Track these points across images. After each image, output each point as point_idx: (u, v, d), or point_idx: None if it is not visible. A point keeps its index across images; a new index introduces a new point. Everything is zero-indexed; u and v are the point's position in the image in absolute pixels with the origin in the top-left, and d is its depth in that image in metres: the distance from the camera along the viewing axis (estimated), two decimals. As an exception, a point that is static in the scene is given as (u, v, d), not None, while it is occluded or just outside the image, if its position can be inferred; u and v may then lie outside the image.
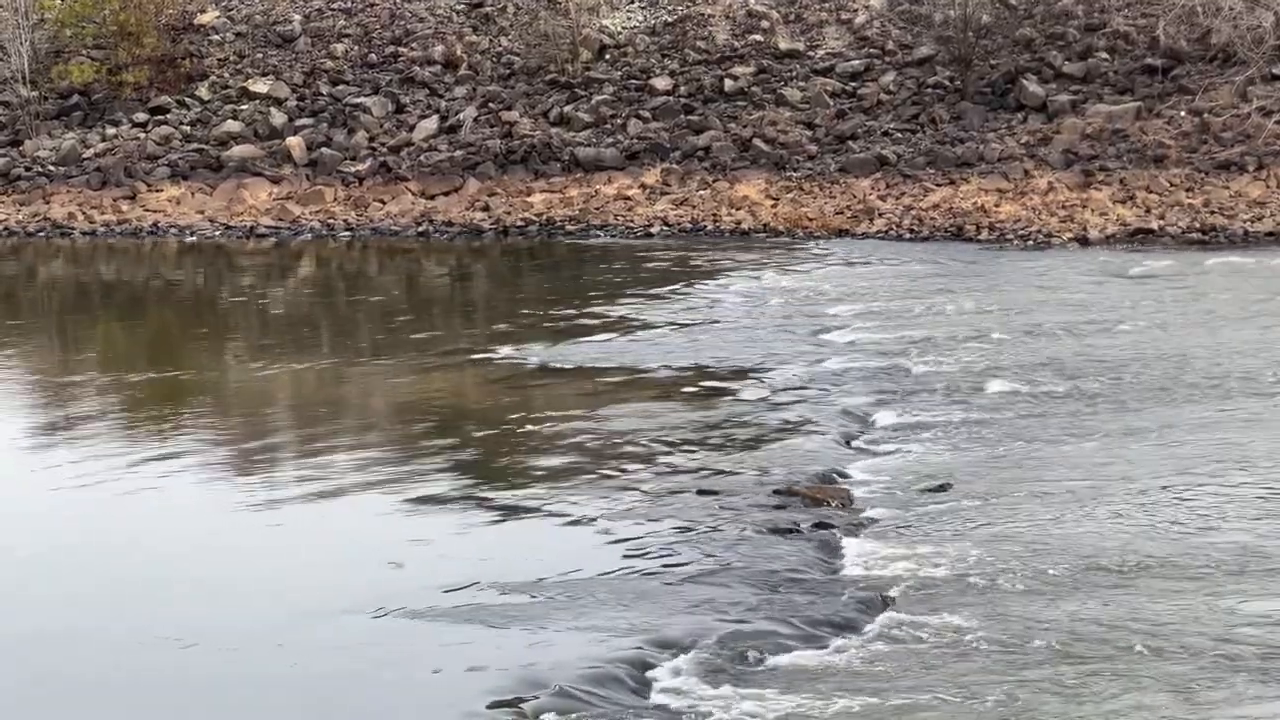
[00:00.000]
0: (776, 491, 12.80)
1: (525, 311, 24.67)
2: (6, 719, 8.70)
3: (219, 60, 45.58)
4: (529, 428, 15.95)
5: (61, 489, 13.82)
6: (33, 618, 10.28)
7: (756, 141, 39.01)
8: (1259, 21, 37.67)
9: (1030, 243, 32.00)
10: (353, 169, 40.64)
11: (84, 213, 40.06)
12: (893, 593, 10.33)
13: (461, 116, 41.70)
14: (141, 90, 44.19)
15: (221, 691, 8.99)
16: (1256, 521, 11.82)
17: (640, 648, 9.30)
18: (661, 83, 41.96)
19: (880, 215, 34.84)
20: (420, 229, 37.46)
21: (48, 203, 40.94)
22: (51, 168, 42.35)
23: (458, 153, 40.48)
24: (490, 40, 44.91)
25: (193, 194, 40.70)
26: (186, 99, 44.28)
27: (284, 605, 10.42)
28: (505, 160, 40.00)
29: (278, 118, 42.77)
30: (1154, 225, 32.45)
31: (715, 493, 12.83)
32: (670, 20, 44.57)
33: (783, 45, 42.87)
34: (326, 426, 16.61)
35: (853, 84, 41.11)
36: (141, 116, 43.77)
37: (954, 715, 8.40)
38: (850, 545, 11.44)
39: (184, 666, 9.35)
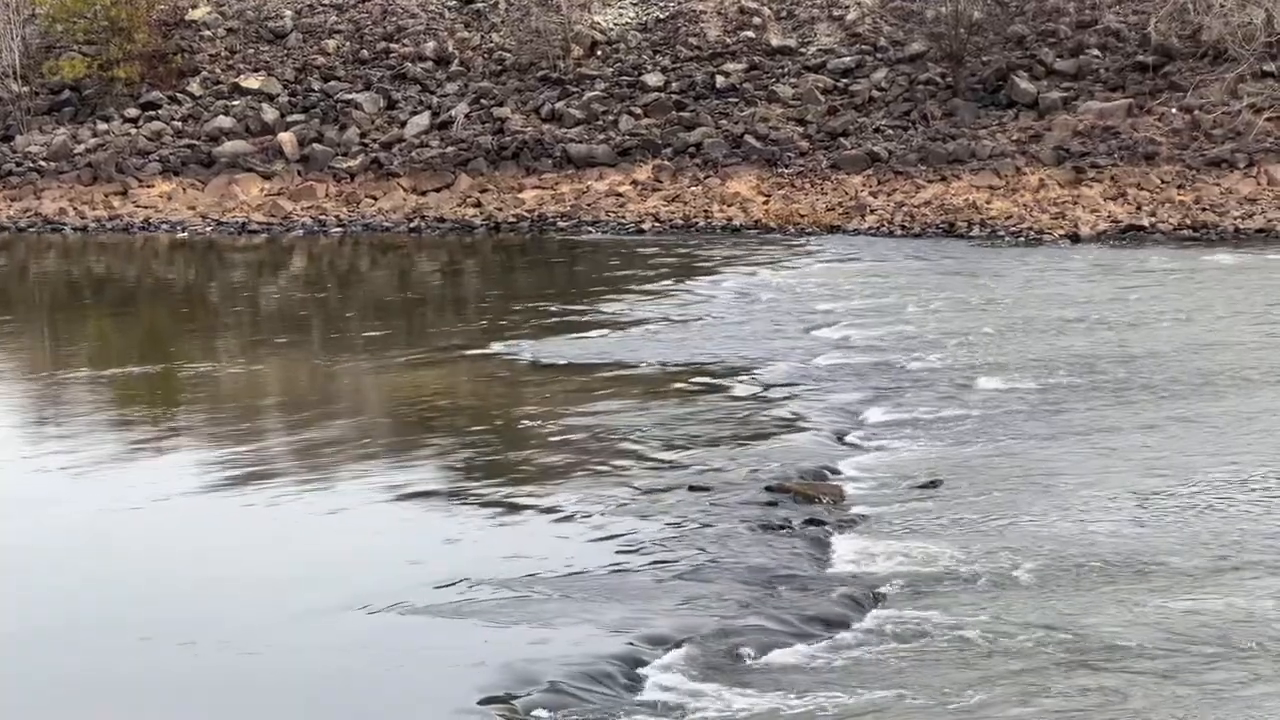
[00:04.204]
0: (768, 488, 12.80)
1: (517, 308, 24.67)
2: (6, 719, 8.70)
3: (210, 56, 45.56)
4: (521, 424, 15.96)
5: (54, 486, 13.81)
6: (30, 617, 10.27)
7: (748, 138, 39.03)
8: (1250, 19, 37.71)
9: (1022, 239, 32.04)
10: (344, 165, 40.65)
11: (75, 208, 40.06)
12: (884, 589, 10.34)
13: (453, 113, 41.70)
14: (133, 86, 44.18)
15: (213, 689, 8.98)
16: (1250, 518, 11.84)
17: (632, 644, 9.30)
18: (653, 79, 41.97)
19: (872, 212, 34.87)
20: (412, 225, 37.46)
21: (39, 198, 40.94)
22: (43, 163, 42.34)
23: (449, 149, 40.48)
24: (482, 36, 44.91)
25: (184, 190, 40.69)
26: (178, 95, 44.26)
27: (275, 602, 10.42)
28: (497, 156, 40.01)
29: (269, 114, 42.75)
30: (1145, 222, 32.50)
31: (707, 489, 12.84)
32: (662, 16, 44.57)
33: (774, 42, 42.88)
34: (318, 423, 16.60)
35: (844, 80, 41.12)
36: (133, 112, 43.77)
37: (945, 712, 8.41)
38: (841, 542, 11.44)
39: (177, 665, 9.34)
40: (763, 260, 29.40)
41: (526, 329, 22.13)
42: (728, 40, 43.27)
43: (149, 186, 40.97)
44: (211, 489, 13.41)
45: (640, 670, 8.98)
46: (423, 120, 41.90)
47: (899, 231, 33.58)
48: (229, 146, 41.71)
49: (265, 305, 27.51)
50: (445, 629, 9.74)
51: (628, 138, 39.86)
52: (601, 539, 11.61)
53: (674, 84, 41.79)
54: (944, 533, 11.59)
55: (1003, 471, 13.40)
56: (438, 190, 39.26)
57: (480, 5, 45.94)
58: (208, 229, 38.22)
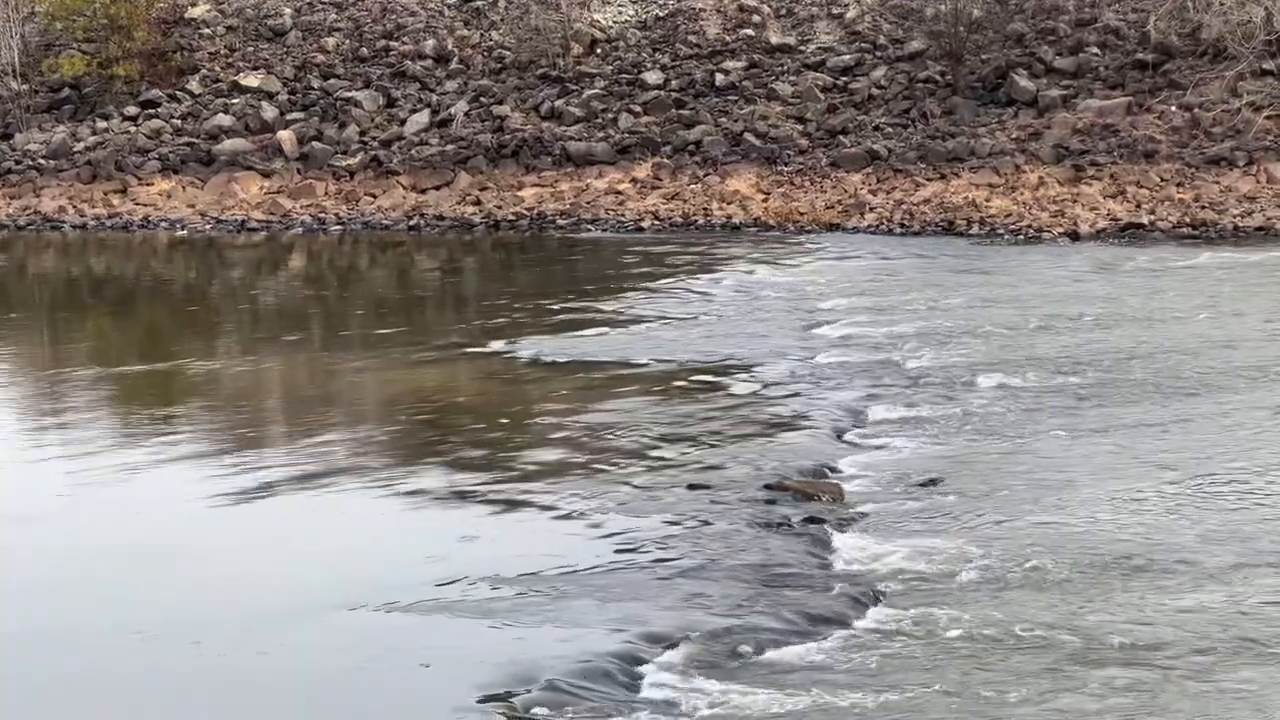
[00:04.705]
0: (767, 486, 12.81)
1: (516, 306, 24.66)
2: (6, 718, 8.70)
3: (210, 54, 45.55)
4: (520, 422, 15.96)
5: (54, 486, 13.81)
6: (30, 617, 10.27)
7: (747, 136, 39.02)
8: (1249, 16, 37.70)
9: (1021, 237, 32.02)
10: (344, 163, 40.62)
11: (74, 206, 40.05)
12: (883, 587, 10.34)
13: (453, 110, 41.68)
14: (132, 84, 44.16)
15: (213, 689, 8.99)
16: (1250, 515, 11.84)
17: (631, 642, 9.31)
18: (653, 77, 41.96)
19: (871, 210, 34.85)
20: (411, 223, 37.44)
21: (38, 196, 40.94)
22: (42, 161, 42.32)
23: (449, 147, 40.47)
24: (481, 35, 44.91)
25: (183, 188, 40.67)
26: (177, 93, 44.25)
27: (275, 602, 10.42)
28: (496, 154, 39.99)
29: (269, 111, 42.74)
30: (1144, 220, 32.48)
31: (706, 487, 12.84)
32: (661, 15, 44.57)
33: (774, 40, 42.87)
34: (317, 421, 16.61)
35: (844, 79, 41.11)
36: (132, 110, 43.75)
37: (943, 710, 8.41)
38: (841, 540, 11.44)
39: (177, 665, 9.34)
40: (762, 258, 29.39)
41: (526, 327, 22.11)
42: (727, 38, 43.26)
43: (148, 184, 40.95)
44: (211, 488, 13.40)
45: (639, 668, 8.98)
46: (422, 118, 41.89)
47: (898, 230, 33.56)
48: (228, 144, 41.69)
49: (264, 304, 27.50)
50: (445, 628, 9.75)
51: (627, 136, 39.85)
52: (601, 537, 11.62)
53: (673, 82, 41.77)
54: (945, 531, 11.59)
55: (1005, 469, 13.40)
56: (437, 188, 39.24)
57: (480, 3, 45.92)
58: (207, 227, 38.20)
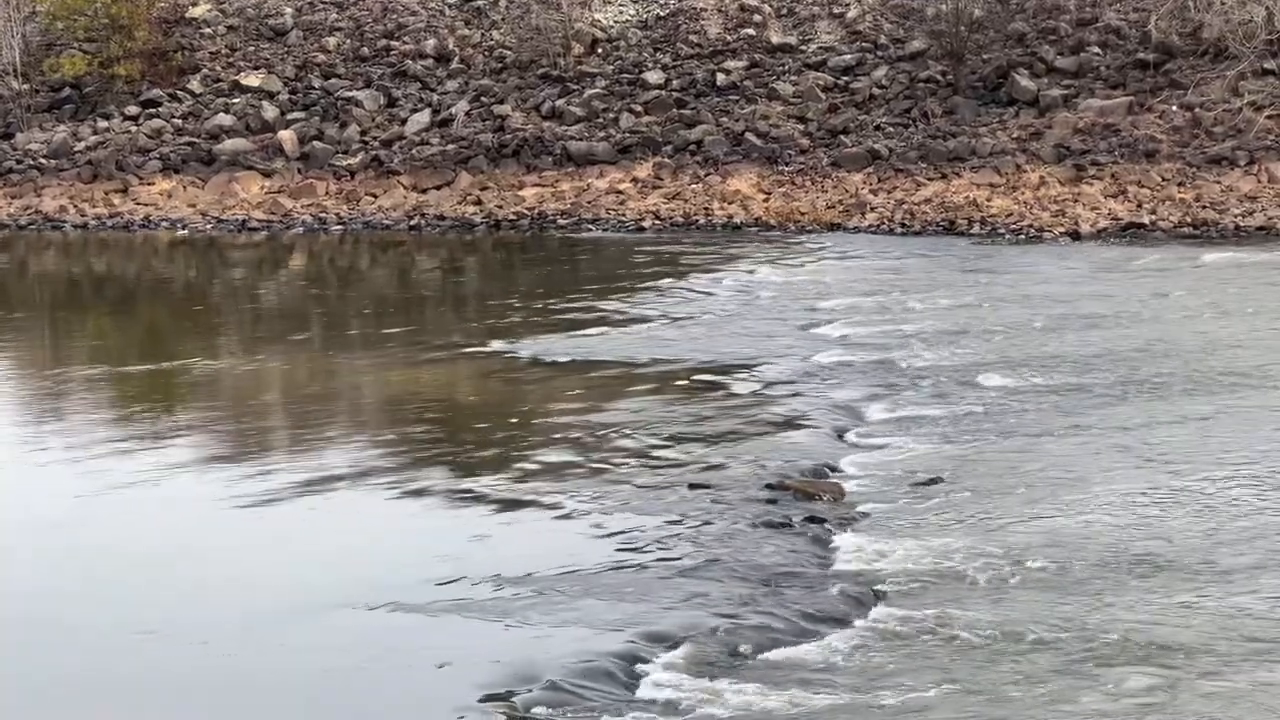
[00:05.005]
0: (768, 485, 12.79)
1: (517, 305, 24.66)
2: (6, 718, 8.68)
3: (210, 53, 45.57)
4: (520, 421, 15.95)
5: (55, 486, 13.80)
6: (30, 616, 10.26)
7: (748, 135, 39.02)
8: (1250, 16, 37.70)
9: (1022, 237, 32.03)
10: (344, 162, 40.64)
11: (75, 206, 40.07)
12: (884, 587, 10.33)
13: (453, 110, 41.69)
14: (133, 83, 44.20)
15: (213, 689, 8.98)
16: (1251, 515, 11.83)
17: (632, 641, 9.29)
18: (653, 77, 41.96)
19: (872, 209, 34.85)
20: (412, 223, 37.46)
21: (39, 195, 40.96)
22: (43, 160, 42.34)
23: (450, 146, 40.48)
24: (482, 34, 44.92)
25: (184, 187, 40.68)
26: (178, 92, 44.27)
27: (274, 600, 10.41)
28: (497, 154, 39.99)
29: (269, 111, 42.75)
30: (1145, 220, 32.48)
31: (707, 487, 12.82)
32: (662, 14, 44.59)
33: (775, 39, 42.87)
34: (317, 420, 16.59)
35: (845, 78, 41.11)
36: (133, 109, 43.77)
37: (945, 710, 8.40)
38: (842, 539, 11.43)
39: (177, 665, 9.33)
40: (763, 258, 29.38)
41: (526, 326, 22.11)
42: (728, 38, 43.26)
43: (149, 184, 40.97)
44: (206, 485, 13.40)
45: (640, 668, 8.97)
46: (423, 118, 41.89)
47: (899, 229, 33.57)
48: (229, 144, 41.71)
49: (266, 304, 27.48)
50: (446, 627, 9.73)
51: (628, 135, 39.85)
52: (602, 536, 11.61)
53: (674, 81, 41.78)
54: (946, 530, 11.57)
55: (1004, 469, 13.37)
56: (438, 188, 39.24)
57: (481, 3, 45.94)
58: (208, 226, 38.21)
